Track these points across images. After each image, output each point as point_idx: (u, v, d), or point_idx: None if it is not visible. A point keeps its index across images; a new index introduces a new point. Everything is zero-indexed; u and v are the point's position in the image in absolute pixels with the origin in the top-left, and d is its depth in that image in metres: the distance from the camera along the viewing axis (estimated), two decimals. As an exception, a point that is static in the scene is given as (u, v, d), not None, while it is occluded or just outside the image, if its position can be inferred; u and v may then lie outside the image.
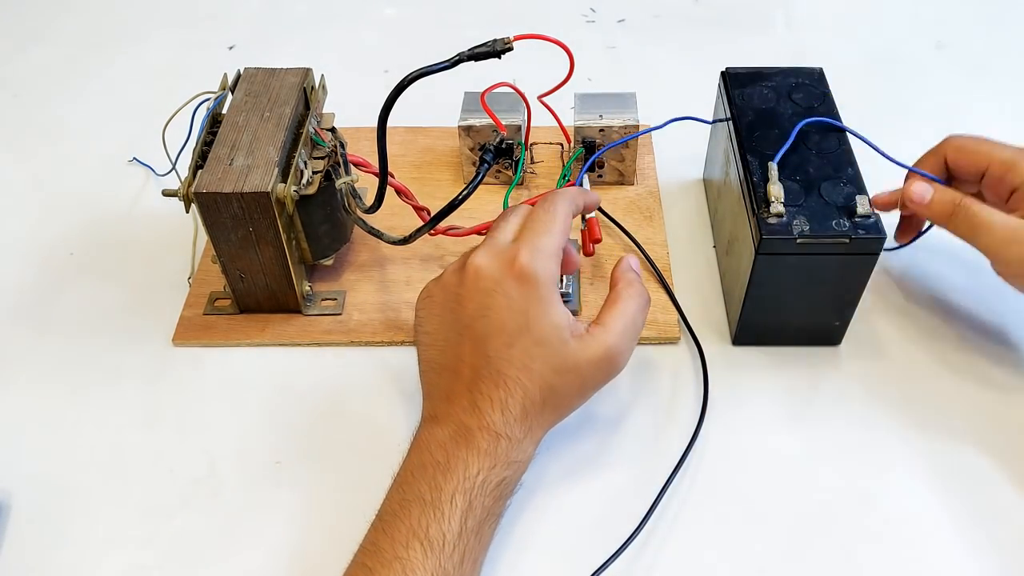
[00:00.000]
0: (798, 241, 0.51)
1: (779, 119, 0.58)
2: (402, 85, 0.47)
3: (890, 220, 0.59)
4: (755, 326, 0.56)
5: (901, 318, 0.59)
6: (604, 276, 0.62)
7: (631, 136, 0.64)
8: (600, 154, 0.64)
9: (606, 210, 0.65)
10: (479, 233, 0.60)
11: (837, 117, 0.58)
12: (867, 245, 0.51)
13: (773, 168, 0.53)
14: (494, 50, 0.47)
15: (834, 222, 0.51)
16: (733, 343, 0.58)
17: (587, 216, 0.57)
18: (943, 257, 0.63)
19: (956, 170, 0.56)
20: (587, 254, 0.57)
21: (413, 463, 0.46)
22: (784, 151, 0.54)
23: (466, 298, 0.48)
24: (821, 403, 0.55)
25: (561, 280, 0.59)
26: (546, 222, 0.49)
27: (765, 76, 0.61)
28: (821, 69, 0.61)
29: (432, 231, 0.59)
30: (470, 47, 0.47)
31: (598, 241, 0.57)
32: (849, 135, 0.57)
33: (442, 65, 0.46)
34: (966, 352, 0.57)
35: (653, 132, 0.72)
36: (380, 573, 0.41)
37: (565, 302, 0.59)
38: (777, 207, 0.51)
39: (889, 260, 0.62)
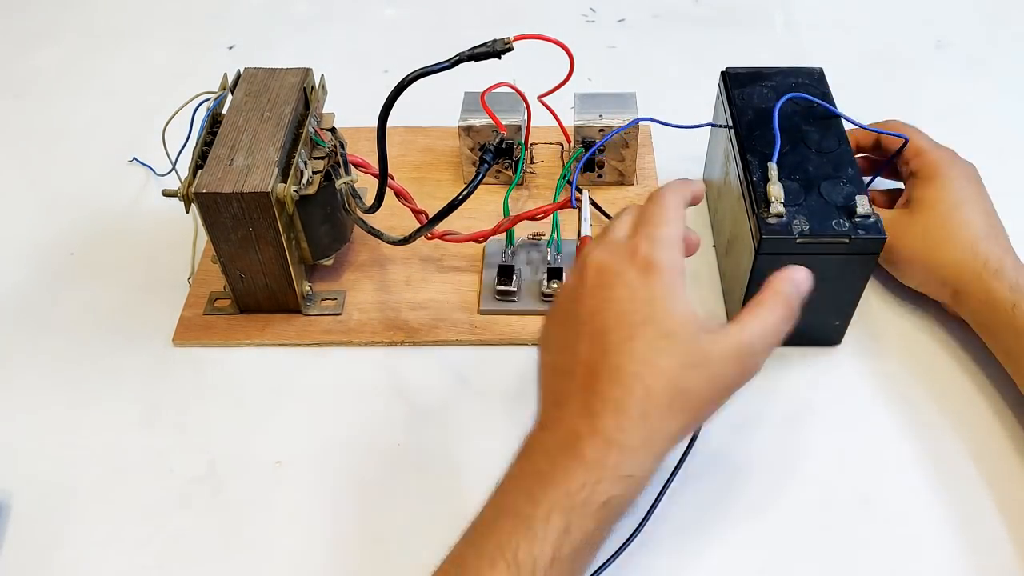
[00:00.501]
0: (798, 241, 0.51)
1: (779, 119, 0.57)
2: (402, 85, 0.47)
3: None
4: None
5: (901, 318, 0.59)
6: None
7: (622, 128, 0.63)
8: (599, 146, 0.64)
9: (606, 210, 0.65)
10: (476, 240, 0.60)
11: (837, 117, 0.58)
12: (867, 245, 0.51)
13: (773, 168, 0.53)
14: (494, 50, 0.47)
15: (834, 222, 0.51)
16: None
17: (582, 234, 0.57)
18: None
19: (886, 147, 0.60)
20: None
21: (514, 470, 0.41)
22: (779, 147, 0.54)
23: (585, 295, 0.43)
24: (821, 403, 0.55)
25: (561, 279, 0.59)
26: (659, 213, 0.45)
27: (765, 76, 0.61)
28: (821, 69, 0.61)
29: (430, 234, 0.59)
30: (470, 47, 0.47)
31: None
32: (832, 116, 0.57)
33: (442, 65, 0.46)
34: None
35: (653, 132, 0.72)
36: None
37: (565, 302, 0.59)
38: (777, 207, 0.51)
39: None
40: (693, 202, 0.49)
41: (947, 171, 0.56)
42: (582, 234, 0.57)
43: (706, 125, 0.66)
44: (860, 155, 0.63)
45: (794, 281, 0.44)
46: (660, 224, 0.44)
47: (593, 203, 0.64)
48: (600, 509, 0.39)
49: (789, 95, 0.57)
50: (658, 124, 0.61)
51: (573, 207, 0.59)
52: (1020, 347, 0.52)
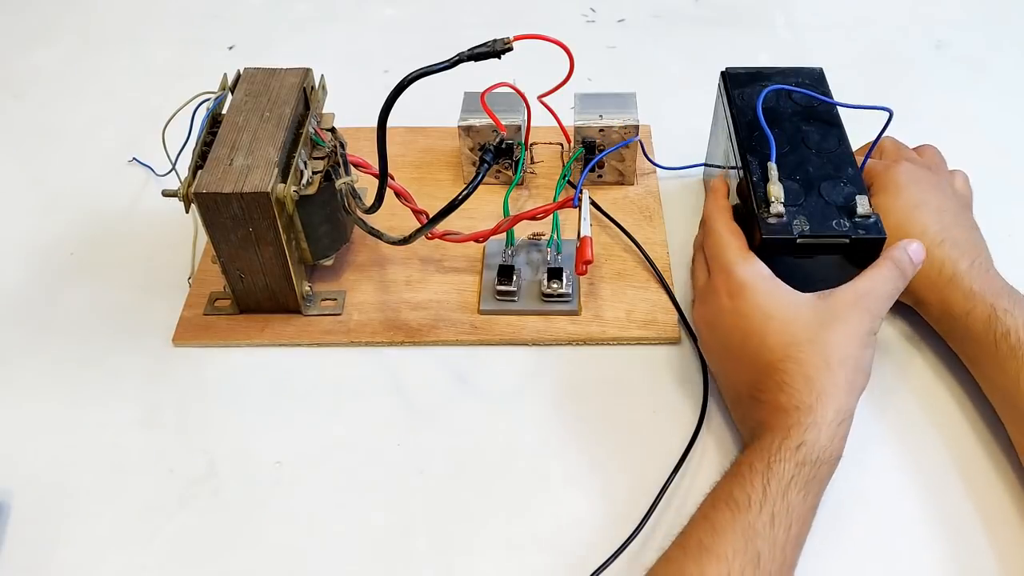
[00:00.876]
0: (798, 241, 0.51)
1: (779, 119, 0.58)
2: (402, 85, 0.47)
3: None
4: None
5: (900, 319, 0.59)
6: (609, 275, 0.62)
7: (619, 144, 0.64)
8: (600, 158, 0.64)
9: (606, 210, 0.65)
10: (476, 240, 0.60)
11: (836, 117, 0.58)
12: (867, 245, 0.51)
13: (773, 168, 0.53)
14: (494, 50, 0.47)
15: (834, 222, 0.51)
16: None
17: (582, 235, 0.57)
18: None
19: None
20: (579, 273, 0.57)
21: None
22: (773, 143, 0.54)
23: (708, 342, 0.54)
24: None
25: (561, 279, 0.59)
26: (715, 241, 0.53)
27: (765, 76, 0.61)
28: (821, 69, 0.61)
29: (430, 234, 0.59)
30: (470, 47, 0.47)
31: (589, 262, 0.56)
32: (823, 104, 0.58)
33: (442, 65, 0.46)
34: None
35: (653, 132, 0.72)
36: (687, 531, 0.44)
37: (565, 302, 0.59)
38: (777, 207, 0.51)
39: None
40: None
41: (899, 179, 0.56)
42: (582, 234, 0.57)
43: (699, 165, 0.68)
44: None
45: (907, 248, 0.51)
46: (722, 250, 0.52)
47: (593, 203, 0.64)
48: (796, 452, 0.45)
49: (772, 87, 0.57)
50: (657, 128, 0.62)
51: (574, 206, 0.59)
52: (977, 352, 0.52)
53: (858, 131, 0.58)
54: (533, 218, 0.61)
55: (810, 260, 0.52)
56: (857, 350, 0.48)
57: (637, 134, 0.64)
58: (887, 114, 0.55)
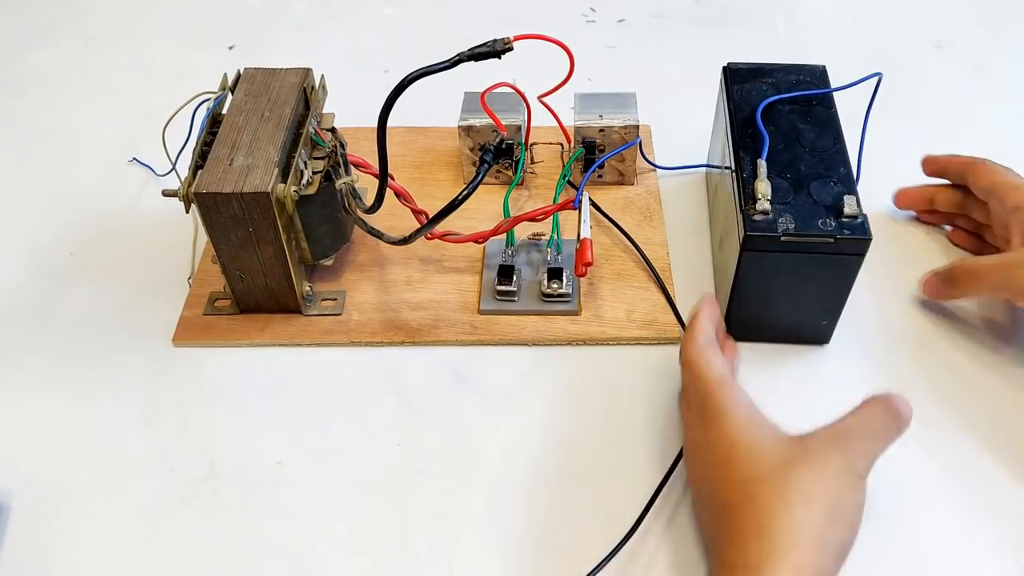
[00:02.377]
0: (782, 239, 0.51)
1: (776, 117, 0.58)
2: (402, 85, 0.47)
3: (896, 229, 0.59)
4: (742, 322, 0.56)
5: (891, 318, 0.59)
6: (609, 275, 0.62)
7: (620, 148, 0.64)
8: (601, 162, 0.65)
9: (606, 211, 0.65)
10: (476, 241, 0.60)
11: (836, 116, 0.58)
12: (853, 246, 0.50)
13: (762, 165, 0.53)
14: (494, 50, 0.47)
15: (820, 221, 0.51)
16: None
17: (582, 237, 0.57)
18: (935, 258, 0.63)
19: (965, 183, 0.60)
20: (579, 275, 0.57)
21: None
22: (767, 144, 0.54)
23: (685, 452, 0.49)
24: (810, 402, 0.55)
25: (561, 279, 0.59)
26: (695, 384, 0.47)
27: (766, 72, 0.61)
28: (824, 67, 0.61)
29: (430, 234, 0.59)
30: (470, 47, 0.47)
31: (589, 264, 0.56)
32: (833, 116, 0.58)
33: (442, 65, 0.46)
34: (960, 353, 0.57)
35: (653, 132, 0.72)
36: None
37: (565, 302, 0.59)
38: (763, 204, 0.51)
39: (879, 260, 0.62)
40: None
41: None
42: (581, 236, 0.57)
43: (698, 167, 0.68)
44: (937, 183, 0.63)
45: (899, 398, 0.45)
46: (698, 380, 0.47)
47: (593, 203, 0.64)
48: None
49: (771, 98, 0.57)
50: (657, 128, 0.62)
51: (575, 208, 0.59)
52: None
53: (857, 131, 0.59)
54: (533, 219, 0.61)
55: (795, 259, 0.52)
56: (832, 495, 0.41)
57: (638, 134, 0.64)
58: (877, 78, 0.55)
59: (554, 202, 0.62)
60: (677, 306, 0.59)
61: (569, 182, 0.66)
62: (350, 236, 0.62)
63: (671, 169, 0.69)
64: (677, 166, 0.69)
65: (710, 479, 0.44)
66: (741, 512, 0.40)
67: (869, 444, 0.43)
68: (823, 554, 0.39)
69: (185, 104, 0.57)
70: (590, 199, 0.62)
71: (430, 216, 0.55)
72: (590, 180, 0.67)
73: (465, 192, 0.54)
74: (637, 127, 0.64)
